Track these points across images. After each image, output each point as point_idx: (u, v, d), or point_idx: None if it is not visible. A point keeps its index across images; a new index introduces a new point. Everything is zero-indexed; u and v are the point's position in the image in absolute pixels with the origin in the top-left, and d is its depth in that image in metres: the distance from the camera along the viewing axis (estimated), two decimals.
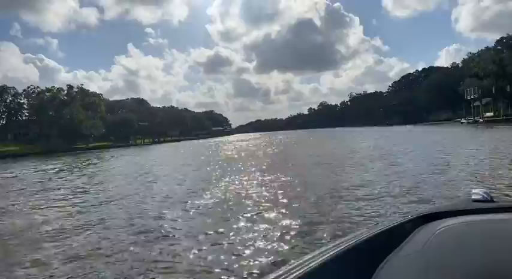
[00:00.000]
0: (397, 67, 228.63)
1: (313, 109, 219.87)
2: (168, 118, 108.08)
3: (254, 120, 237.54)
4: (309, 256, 0.82)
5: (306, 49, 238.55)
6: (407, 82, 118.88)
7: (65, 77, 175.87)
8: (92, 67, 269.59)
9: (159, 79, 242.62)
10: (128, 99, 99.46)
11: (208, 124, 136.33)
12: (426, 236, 0.85)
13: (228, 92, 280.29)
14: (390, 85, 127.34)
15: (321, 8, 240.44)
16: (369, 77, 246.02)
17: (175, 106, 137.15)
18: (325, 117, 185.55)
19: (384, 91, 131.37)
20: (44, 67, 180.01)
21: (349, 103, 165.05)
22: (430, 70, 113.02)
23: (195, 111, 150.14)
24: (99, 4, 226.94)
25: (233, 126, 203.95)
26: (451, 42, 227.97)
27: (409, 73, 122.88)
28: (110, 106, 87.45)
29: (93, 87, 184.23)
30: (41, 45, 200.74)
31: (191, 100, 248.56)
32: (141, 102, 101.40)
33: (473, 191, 1.11)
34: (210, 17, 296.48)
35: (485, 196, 1.06)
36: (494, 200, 1.05)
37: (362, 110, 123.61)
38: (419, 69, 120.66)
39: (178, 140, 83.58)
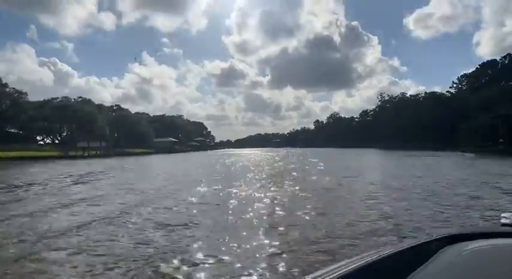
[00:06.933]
0: (412, 90, 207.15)
1: (321, 122, 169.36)
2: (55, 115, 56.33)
3: (254, 134, 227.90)
4: (332, 267, 0.78)
5: (322, 67, 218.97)
6: (492, 74, 66.28)
7: (77, 82, 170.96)
8: (105, 73, 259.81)
9: (171, 89, 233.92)
10: None
11: (145, 131, 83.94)
12: (452, 256, 0.81)
13: (239, 106, 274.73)
14: (457, 81, 74.14)
15: (341, 25, 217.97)
16: None
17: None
18: (336, 132, 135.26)
19: (445, 91, 78.14)
20: (57, 71, 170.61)
21: (374, 111, 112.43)
22: None
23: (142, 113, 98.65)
24: (118, 9, 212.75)
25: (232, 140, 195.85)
26: (470, 67, 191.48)
27: (493, 59, 69.82)
28: None
29: (105, 94, 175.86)
30: (57, 49, 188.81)
31: (202, 112, 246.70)
32: None
33: (502, 214, 1.04)
34: (228, 29, 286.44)
35: None
36: None
37: (407, 121, 70.64)
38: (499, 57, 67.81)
39: None
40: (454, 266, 0.76)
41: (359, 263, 0.79)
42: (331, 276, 0.72)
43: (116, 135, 74.76)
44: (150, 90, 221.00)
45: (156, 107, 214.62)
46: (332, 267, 0.78)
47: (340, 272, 0.74)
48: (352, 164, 26.83)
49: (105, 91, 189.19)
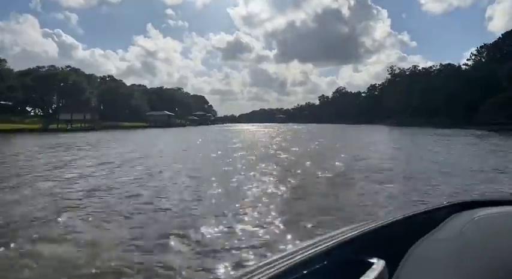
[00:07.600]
0: (420, 66, 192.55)
1: (327, 97, 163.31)
2: None
3: (258, 109, 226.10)
4: (341, 230, 0.79)
5: (330, 40, 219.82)
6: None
7: (82, 54, 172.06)
8: (110, 46, 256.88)
9: (176, 62, 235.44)
10: None
11: (137, 103, 79.28)
12: (462, 222, 0.82)
13: (244, 80, 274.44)
14: (476, 52, 67.50)
15: None
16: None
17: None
18: (342, 107, 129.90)
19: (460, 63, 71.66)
20: (61, 43, 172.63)
21: (383, 86, 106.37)
22: None
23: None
24: None
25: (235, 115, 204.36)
26: (480, 42, 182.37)
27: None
28: None
29: (109, 66, 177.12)
30: (61, 20, 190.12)
31: (207, 86, 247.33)
32: None
33: None
34: (234, 0, 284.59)
35: None
36: None
37: (419, 95, 65.08)
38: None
39: None
40: (464, 232, 0.77)
41: (368, 227, 0.80)
42: (340, 238, 0.73)
43: (101, 107, 70.11)
44: (154, 63, 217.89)
45: (161, 81, 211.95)
46: (341, 230, 0.79)
47: (347, 235, 0.75)
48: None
49: (110, 63, 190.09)
